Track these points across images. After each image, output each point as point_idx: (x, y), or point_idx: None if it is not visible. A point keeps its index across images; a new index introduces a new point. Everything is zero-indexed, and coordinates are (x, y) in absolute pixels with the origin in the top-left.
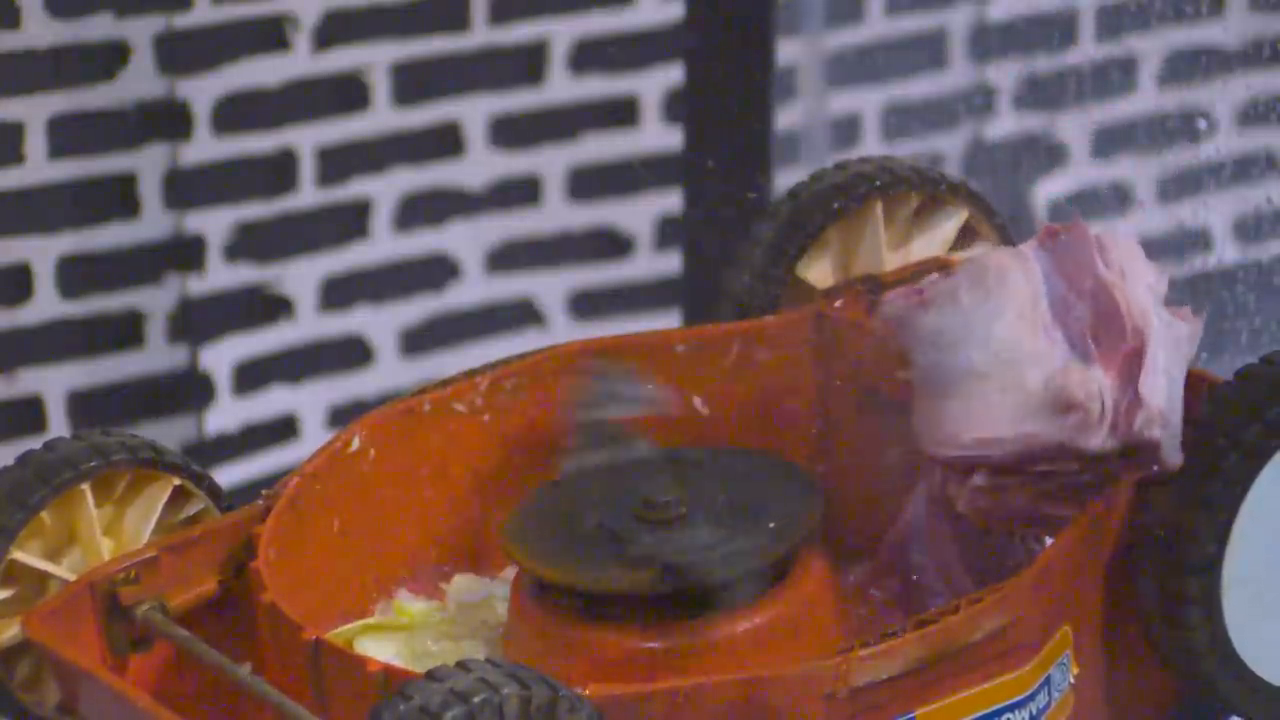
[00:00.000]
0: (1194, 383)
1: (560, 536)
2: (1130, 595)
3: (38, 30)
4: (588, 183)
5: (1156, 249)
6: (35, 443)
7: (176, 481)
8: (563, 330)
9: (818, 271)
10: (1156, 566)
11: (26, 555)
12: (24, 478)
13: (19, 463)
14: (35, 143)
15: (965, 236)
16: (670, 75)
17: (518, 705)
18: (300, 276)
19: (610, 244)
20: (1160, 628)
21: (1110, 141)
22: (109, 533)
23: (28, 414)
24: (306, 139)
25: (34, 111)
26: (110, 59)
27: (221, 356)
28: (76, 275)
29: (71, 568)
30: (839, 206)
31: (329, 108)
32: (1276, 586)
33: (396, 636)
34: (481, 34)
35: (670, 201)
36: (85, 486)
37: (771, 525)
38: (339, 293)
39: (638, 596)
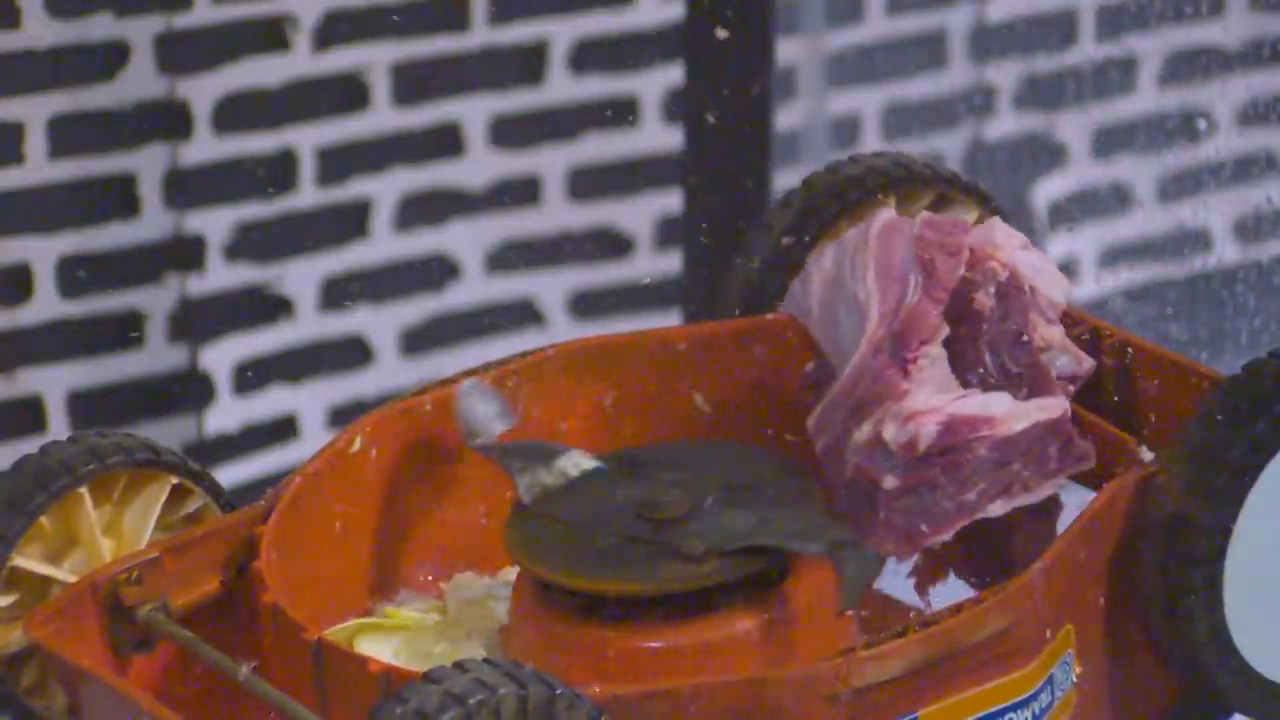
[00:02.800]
0: (1195, 379)
1: (561, 536)
2: (1133, 593)
3: (38, 30)
4: (588, 183)
5: (1156, 249)
6: (36, 443)
7: (174, 480)
8: (563, 330)
9: None
10: (1159, 557)
11: (27, 560)
12: (21, 484)
13: (15, 469)
14: (35, 143)
15: None
16: (670, 75)
17: (515, 705)
18: (300, 276)
19: (610, 244)
20: (1160, 619)
21: (1110, 141)
22: (109, 533)
23: (28, 414)
24: (306, 139)
25: (34, 111)
26: (110, 59)
27: (221, 356)
28: (76, 275)
29: (73, 570)
30: (853, 198)
31: (329, 108)
32: (1278, 583)
33: (397, 636)
34: (481, 34)
35: (670, 201)
36: (83, 490)
37: (772, 524)
38: (339, 293)
39: (639, 596)
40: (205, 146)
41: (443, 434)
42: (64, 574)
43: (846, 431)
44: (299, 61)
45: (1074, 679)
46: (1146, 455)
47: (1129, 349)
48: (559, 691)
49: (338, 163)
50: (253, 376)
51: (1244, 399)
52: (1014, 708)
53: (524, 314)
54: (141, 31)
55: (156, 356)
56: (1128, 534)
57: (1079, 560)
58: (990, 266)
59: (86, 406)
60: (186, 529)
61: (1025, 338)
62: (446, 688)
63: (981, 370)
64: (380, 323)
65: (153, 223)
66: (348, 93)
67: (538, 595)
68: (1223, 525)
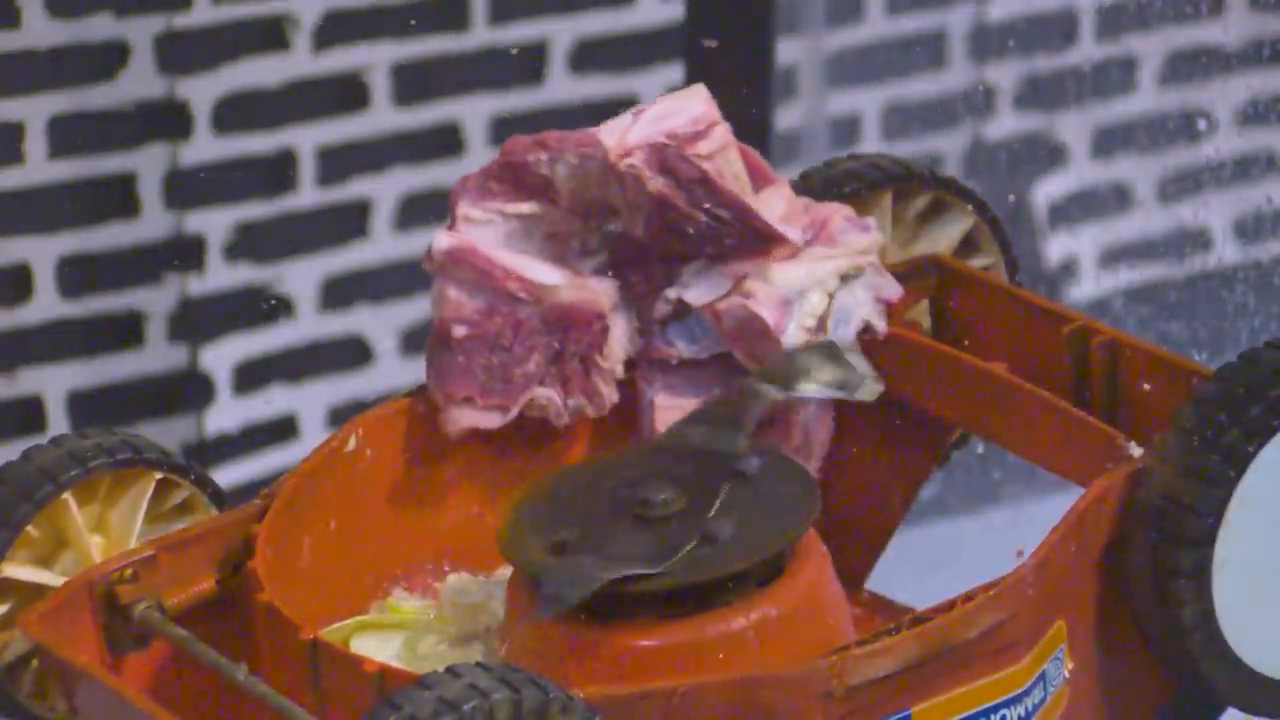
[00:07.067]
0: (1186, 375)
1: (557, 535)
2: (1123, 586)
3: (38, 30)
4: None
5: (1156, 249)
6: (37, 443)
7: (158, 476)
8: None
9: None
10: (1149, 539)
11: (17, 568)
12: (3, 495)
13: None
14: (35, 143)
15: (964, 247)
16: (670, 75)
17: (509, 710)
18: (300, 276)
19: None
20: (1148, 603)
21: (1110, 141)
22: (98, 531)
23: (28, 414)
24: (306, 139)
25: (34, 111)
26: (110, 59)
27: (221, 356)
28: (76, 275)
29: (64, 572)
30: (850, 191)
31: (329, 108)
32: (1266, 570)
33: (392, 636)
34: (481, 34)
35: None
36: (67, 495)
37: (769, 522)
38: (339, 293)
39: (635, 595)
40: (205, 146)
41: (438, 433)
42: (55, 578)
43: None
44: (299, 61)
45: (1066, 675)
46: (1135, 451)
47: (1119, 346)
48: (552, 695)
49: (338, 163)
50: (252, 377)
51: (1239, 384)
52: (1007, 704)
53: None
54: (141, 31)
55: (156, 356)
56: (1118, 529)
57: (1070, 556)
58: (627, 172)
59: (86, 406)
60: (177, 521)
61: (706, 183)
62: (440, 693)
63: (704, 237)
64: (380, 323)
65: (153, 223)
66: (348, 93)
67: (532, 595)
68: (1213, 508)
